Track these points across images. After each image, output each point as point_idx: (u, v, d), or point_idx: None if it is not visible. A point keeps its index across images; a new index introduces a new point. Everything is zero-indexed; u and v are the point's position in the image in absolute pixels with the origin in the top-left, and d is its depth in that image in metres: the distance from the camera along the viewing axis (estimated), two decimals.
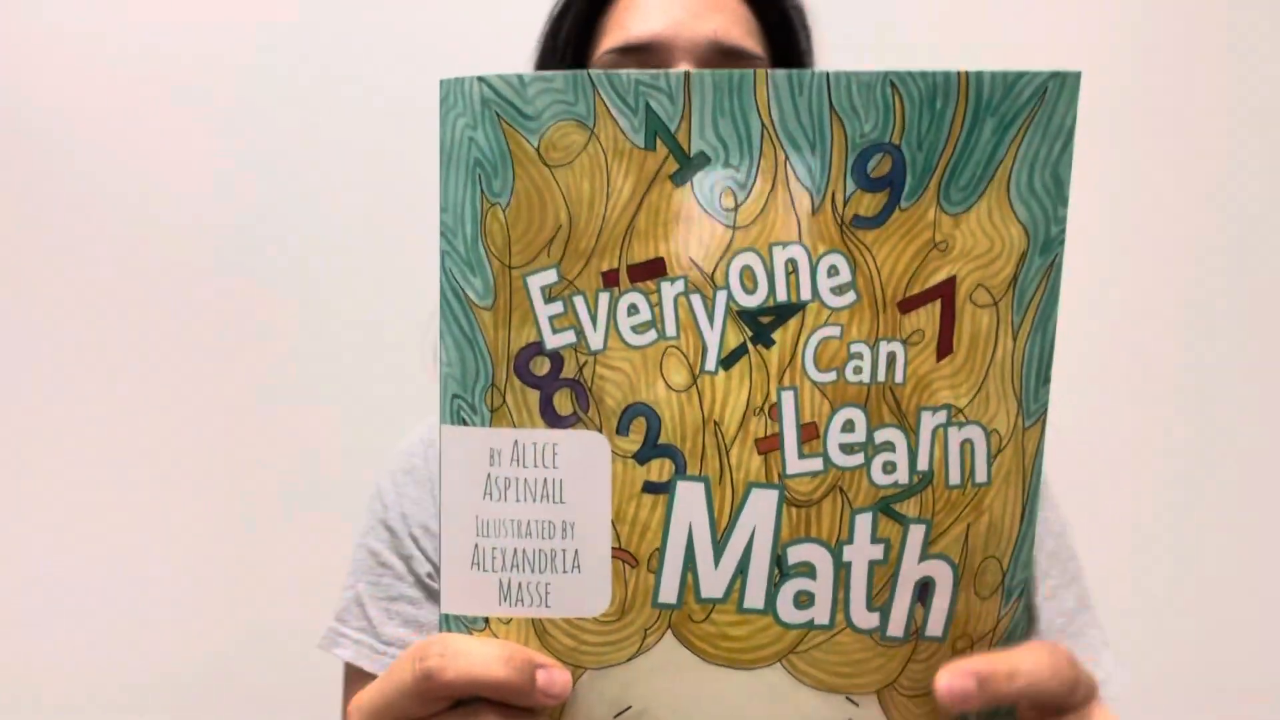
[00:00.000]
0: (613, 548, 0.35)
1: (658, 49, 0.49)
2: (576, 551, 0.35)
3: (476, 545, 0.35)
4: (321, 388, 1.14)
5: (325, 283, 1.14)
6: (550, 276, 0.34)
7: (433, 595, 0.54)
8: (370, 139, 1.13)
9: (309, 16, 1.13)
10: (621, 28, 0.51)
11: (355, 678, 0.55)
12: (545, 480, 0.35)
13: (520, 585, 0.35)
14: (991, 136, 0.33)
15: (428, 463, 0.57)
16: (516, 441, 0.35)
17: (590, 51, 0.53)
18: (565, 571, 0.35)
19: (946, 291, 0.34)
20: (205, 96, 1.12)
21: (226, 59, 1.12)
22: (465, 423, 0.35)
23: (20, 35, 1.07)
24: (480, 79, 0.33)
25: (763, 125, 0.33)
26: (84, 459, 1.13)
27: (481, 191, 0.34)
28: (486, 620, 0.36)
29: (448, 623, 0.36)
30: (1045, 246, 0.34)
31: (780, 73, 0.33)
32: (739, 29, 0.50)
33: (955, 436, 0.34)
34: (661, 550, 0.35)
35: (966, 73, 0.32)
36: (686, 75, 0.33)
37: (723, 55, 0.49)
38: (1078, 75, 0.33)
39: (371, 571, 0.56)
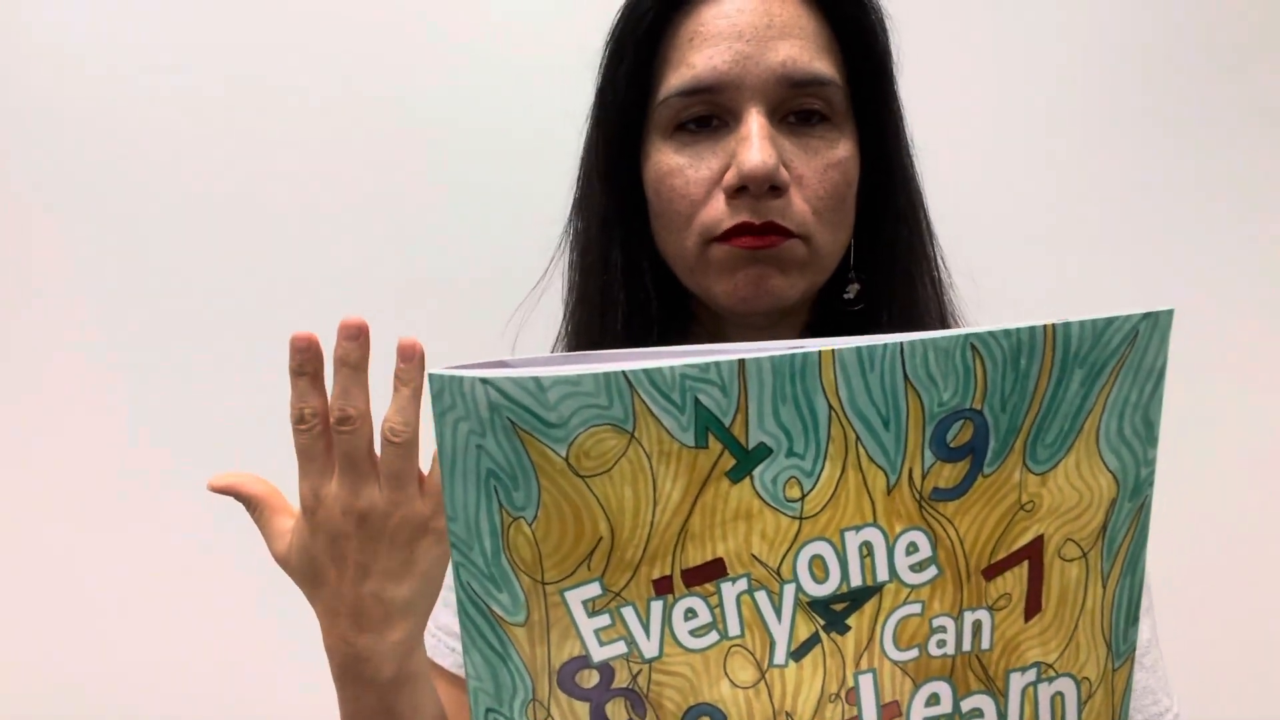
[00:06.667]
0: None
1: (725, 88, 0.47)
2: None
3: None
4: None
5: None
6: (593, 590, 0.29)
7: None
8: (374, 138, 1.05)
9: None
10: (687, 65, 0.48)
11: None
12: None
13: None
14: (1080, 388, 0.29)
15: None
16: None
17: (654, 88, 0.50)
18: None
19: (1034, 552, 0.30)
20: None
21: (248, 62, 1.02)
22: None
23: (20, 35, 1.01)
24: (484, 381, 0.27)
25: (830, 407, 0.28)
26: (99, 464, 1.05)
27: (500, 504, 0.28)
28: None
29: None
30: (1135, 490, 0.30)
31: (848, 350, 0.28)
32: (809, 51, 0.48)
33: (1045, 692, 0.32)
34: None
35: (1053, 325, 0.28)
36: (741, 364, 0.27)
37: (793, 86, 0.47)
38: (1170, 314, 0.29)
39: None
